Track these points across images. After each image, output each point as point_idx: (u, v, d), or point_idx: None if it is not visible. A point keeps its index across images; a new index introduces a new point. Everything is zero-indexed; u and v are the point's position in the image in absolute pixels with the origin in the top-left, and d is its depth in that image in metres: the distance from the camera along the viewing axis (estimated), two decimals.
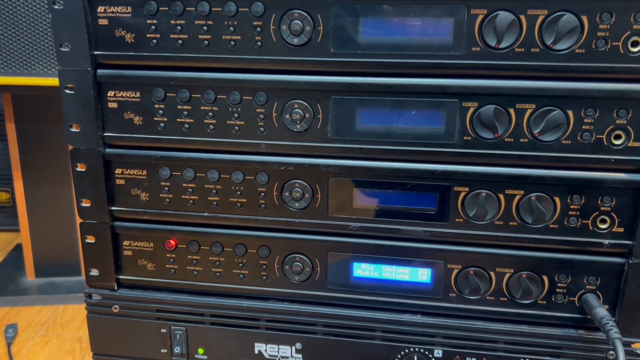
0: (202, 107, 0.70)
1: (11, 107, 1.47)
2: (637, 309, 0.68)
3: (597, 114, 0.64)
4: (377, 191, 0.71)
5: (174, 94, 0.70)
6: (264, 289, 0.77)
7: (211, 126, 0.71)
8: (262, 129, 0.70)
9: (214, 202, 0.74)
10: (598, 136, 0.65)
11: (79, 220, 0.76)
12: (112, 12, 0.68)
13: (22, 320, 1.53)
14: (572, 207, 0.67)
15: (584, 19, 0.61)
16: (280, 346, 0.77)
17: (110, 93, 0.71)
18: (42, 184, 1.57)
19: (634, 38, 0.61)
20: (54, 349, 1.40)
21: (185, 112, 0.71)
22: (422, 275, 0.73)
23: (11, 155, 1.55)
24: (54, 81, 1.21)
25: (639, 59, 0.61)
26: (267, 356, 0.78)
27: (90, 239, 0.77)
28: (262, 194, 0.73)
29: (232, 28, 0.66)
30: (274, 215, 0.73)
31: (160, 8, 0.67)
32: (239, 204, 0.73)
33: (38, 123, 1.49)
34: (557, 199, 0.67)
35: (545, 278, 0.70)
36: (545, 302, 0.71)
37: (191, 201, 0.74)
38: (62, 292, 1.63)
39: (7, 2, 1.16)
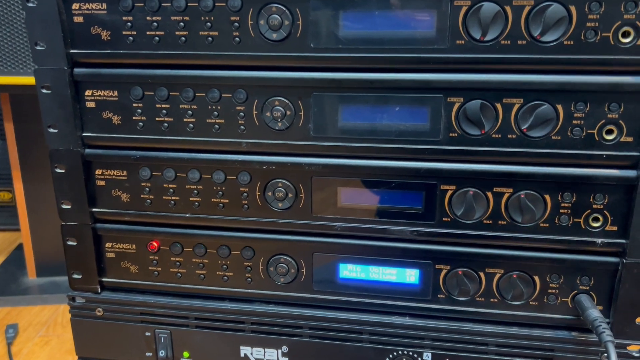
0: (181, 106, 0.68)
1: (9, 106, 1.47)
2: (631, 310, 0.65)
3: (587, 108, 0.61)
4: (361, 190, 0.69)
5: (152, 93, 0.68)
6: (249, 291, 0.75)
7: (191, 125, 0.69)
8: (242, 127, 0.68)
9: (196, 203, 0.72)
10: (589, 131, 0.62)
11: None
12: (87, 9, 0.66)
13: (23, 320, 1.53)
14: (563, 205, 0.65)
15: (572, 9, 0.58)
16: (266, 349, 0.75)
17: (88, 92, 0.70)
18: (42, 184, 1.57)
19: (625, 28, 0.58)
20: (54, 349, 1.39)
21: (164, 111, 0.69)
22: (410, 276, 0.71)
23: (10, 155, 1.54)
24: None
25: (630, 50, 0.59)
26: None
27: (72, 241, 0.75)
28: (245, 194, 0.71)
29: (209, 24, 0.65)
30: (257, 215, 0.72)
31: (136, 4, 0.65)
32: (221, 204, 0.72)
33: (37, 122, 1.48)
34: (547, 197, 0.65)
35: (536, 278, 0.68)
36: (537, 303, 0.69)
37: (172, 202, 0.72)
38: (63, 291, 1.63)
39: (3, 1, 1.15)
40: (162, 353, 0.77)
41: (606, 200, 0.64)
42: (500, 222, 0.67)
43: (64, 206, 0.74)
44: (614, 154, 0.62)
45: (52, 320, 1.54)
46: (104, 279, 0.78)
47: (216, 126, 0.68)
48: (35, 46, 0.67)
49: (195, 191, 0.72)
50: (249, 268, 0.74)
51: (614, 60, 0.59)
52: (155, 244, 0.75)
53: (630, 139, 0.62)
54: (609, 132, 0.62)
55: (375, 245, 0.71)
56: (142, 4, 0.65)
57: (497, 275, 0.69)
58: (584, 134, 0.62)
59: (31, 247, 1.70)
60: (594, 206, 0.64)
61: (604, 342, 0.61)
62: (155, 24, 0.66)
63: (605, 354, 0.62)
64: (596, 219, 0.65)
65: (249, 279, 0.75)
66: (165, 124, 0.69)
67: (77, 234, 0.75)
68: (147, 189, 0.72)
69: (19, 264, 1.78)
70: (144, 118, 0.70)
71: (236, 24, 0.64)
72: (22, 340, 1.42)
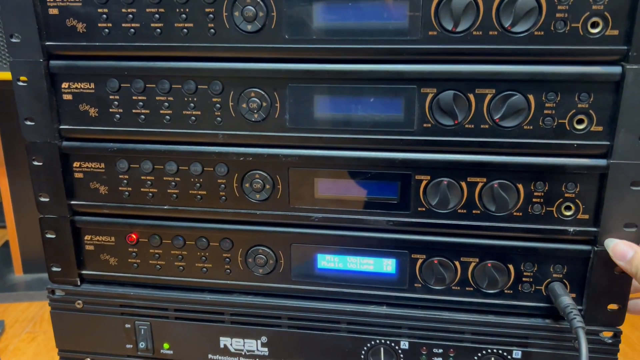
0: (157, 98, 0.68)
1: None
2: (603, 297, 0.66)
3: (558, 98, 0.62)
4: (338, 181, 0.69)
5: (129, 85, 0.68)
6: (228, 282, 0.75)
7: (167, 117, 0.69)
8: (219, 118, 0.68)
9: (174, 195, 0.72)
10: (560, 121, 0.63)
11: None
12: (62, 1, 0.66)
13: (9, 317, 1.53)
14: (535, 194, 0.66)
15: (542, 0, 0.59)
16: (246, 340, 0.76)
17: (65, 84, 0.70)
18: (27, 180, 1.55)
19: (594, 19, 0.59)
20: (40, 345, 1.39)
21: (141, 103, 0.69)
22: (387, 265, 0.71)
23: None
24: None
25: (599, 41, 0.59)
26: (232, 350, 0.76)
27: (51, 234, 0.75)
28: (222, 185, 0.71)
29: (184, 15, 0.65)
30: (235, 207, 0.72)
31: None
32: (199, 196, 0.72)
33: None
34: (520, 186, 0.66)
35: (511, 267, 0.69)
36: (511, 291, 0.70)
37: (150, 194, 0.73)
38: None
39: None
40: (142, 345, 0.77)
41: (578, 189, 0.65)
42: (474, 212, 0.67)
43: (42, 199, 0.74)
44: (585, 143, 0.63)
45: (38, 317, 1.53)
46: (83, 272, 0.78)
47: (192, 118, 0.69)
48: (11, 38, 0.67)
49: (173, 183, 0.72)
50: (227, 259, 0.75)
51: (584, 50, 0.60)
52: (134, 236, 0.75)
53: (600, 129, 0.62)
54: (580, 121, 0.63)
55: (352, 235, 0.71)
56: None
57: (472, 264, 0.69)
58: (555, 123, 0.63)
59: (17, 244, 1.69)
60: (566, 195, 0.65)
61: (574, 327, 0.62)
62: (130, 15, 0.66)
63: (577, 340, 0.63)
64: (568, 208, 0.66)
65: (228, 270, 0.75)
66: (142, 116, 0.70)
67: (56, 226, 0.75)
68: (125, 181, 0.73)
69: (6, 260, 1.77)
70: (121, 110, 0.70)
71: (211, 15, 0.64)
72: (9, 336, 1.42)
